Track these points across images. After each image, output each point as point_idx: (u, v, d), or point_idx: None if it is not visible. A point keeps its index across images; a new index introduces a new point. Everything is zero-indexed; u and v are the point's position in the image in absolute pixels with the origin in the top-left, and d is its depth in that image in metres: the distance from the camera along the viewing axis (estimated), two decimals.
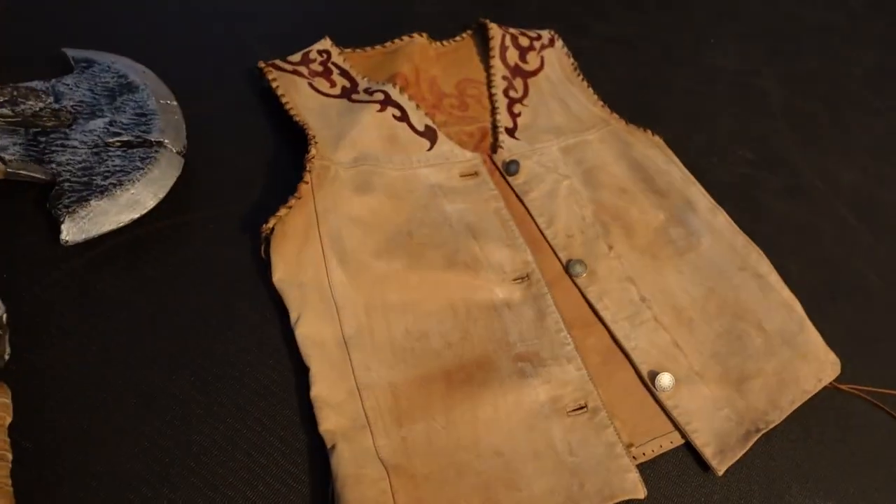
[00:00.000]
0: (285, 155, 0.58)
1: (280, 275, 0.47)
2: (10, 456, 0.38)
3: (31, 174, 0.48)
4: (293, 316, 0.45)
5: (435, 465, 0.40)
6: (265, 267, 0.49)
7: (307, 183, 0.50)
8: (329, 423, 0.41)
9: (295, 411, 0.43)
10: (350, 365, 0.44)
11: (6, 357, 0.42)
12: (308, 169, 0.51)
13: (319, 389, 0.42)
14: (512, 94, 0.67)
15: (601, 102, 0.68)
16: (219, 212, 0.52)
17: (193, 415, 0.42)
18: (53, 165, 0.48)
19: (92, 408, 0.42)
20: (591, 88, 0.69)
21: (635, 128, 0.66)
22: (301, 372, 0.44)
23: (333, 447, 0.40)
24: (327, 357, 0.44)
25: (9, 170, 0.48)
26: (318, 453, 0.41)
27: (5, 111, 0.49)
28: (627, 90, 0.74)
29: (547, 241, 0.55)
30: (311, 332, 0.45)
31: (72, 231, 0.45)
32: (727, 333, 0.51)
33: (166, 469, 0.40)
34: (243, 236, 0.51)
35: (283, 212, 0.48)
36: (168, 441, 0.41)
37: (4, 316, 0.42)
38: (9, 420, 0.39)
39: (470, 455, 0.41)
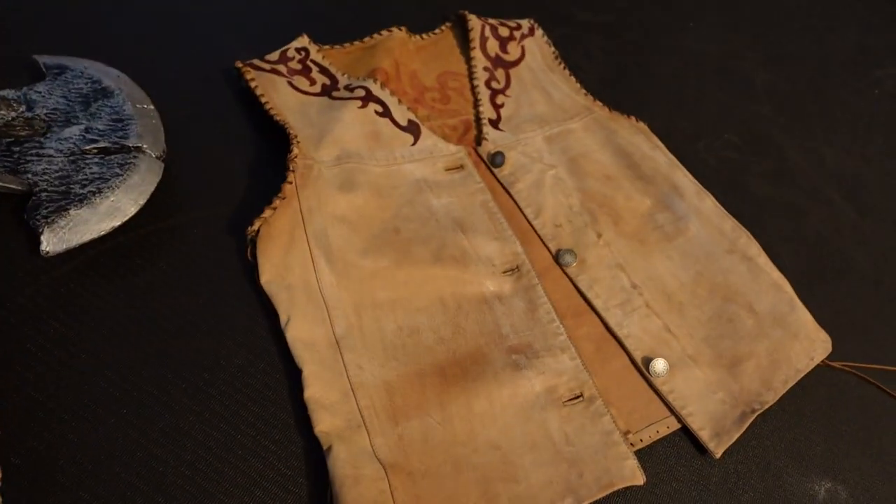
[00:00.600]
0: (267, 155, 0.57)
1: (267, 277, 0.46)
2: None
3: (6, 185, 0.47)
4: (283, 318, 0.45)
5: (432, 461, 0.40)
6: (251, 269, 0.48)
7: (291, 183, 0.50)
8: (324, 424, 0.41)
9: (289, 414, 0.43)
10: (342, 365, 0.43)
11: None
12: (291, 169, 0.50)
13: (313, 391, 0.42)
14: (494, 85, 0.66)
15: (583, 90, 0.68)
16: (202, 216, 0.51)
17: (186, 422, 0.42)
18: (29, 175, 0.47)
19: (82, 419, 0.41)
20: (573, 77, 0.69)
21: (619, 115, 0.66)
22: (293, 374, 0.43)
23: (329, 448, 0.40)
24: (319, 358, 0.43)
25: None
26: (315, 455, 0.41)
27: None
28: (610, 77, 0.74)
29: (535, 232, 0.55)
30: (301, 333, 0.44)
31: (52, 241, 0.44)
32: (718, 317, 0.51)
33: (160, 478, 0.40)
34: (228, 239, 0.50)
35: (267, 213, 0.47)
36: (161, 450, 0.41)
37: None
38: None
39: (467, 450, 0.41)
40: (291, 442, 0.42)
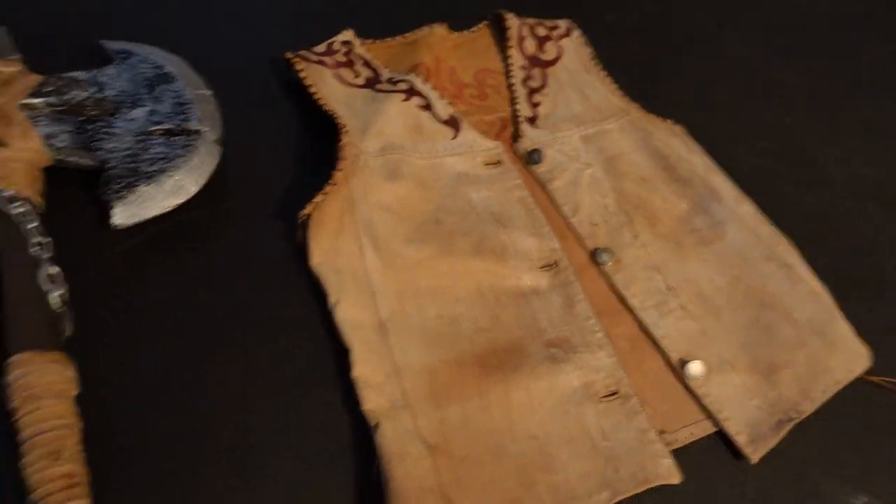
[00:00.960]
0: (314, 144, 0.58)
1: (317, 259, 0.48)
2: (80, 425, 0.39)
3: (80, 161, 0.50)
4: (331, 300, 0.46)
5: (472, 446, 0.41)
6: (301, 252, 0.49)
7: (341, 170, 0.51)
8: (371, 402, 0.42)
9: (336, 393, 0.44)
10: (388, 347, 0.45)
11: (68, 334, 0.43)
12: (341, 157, 0.51)
13: (360, 370, 0.43)
14: (531, 83, 0.67)
15: (620, 92, 0.68)
16: (254, 199, 0.53)
17: (236, 399, 0.43)
18: (102, 152, 0.49)
19: (146, 385, 0.43)
20: (609, 78, 0.69)
21: (655, 117, 0.66)
22: (340, 353, 0.45)
23: (377, 425, 0.41)
24: (366, 339, 0.45)
25: (58, 157, 0.50)
26: (361, 432, 0.42)
27: (52, 100, 0.51)
28: (645, 80, 0.73)
29: (571, 230, 0.55)
30: (349, 315, 0.45)
31: (122, 215, 0.47)
32: (756, 323, 0.51)
33: (211, 454, 0.41)
34: (279, 223, 0.52)
35: (319, 198, 0.49)
36: (213, 424, 0.42)
37: (66, 295, 0.44)
38: (75, 392, 0.41)
39: (505, 438, 0.42)
40: (339, 420, 0.43)
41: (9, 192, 0.46)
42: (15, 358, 0.40)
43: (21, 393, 0.39)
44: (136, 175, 0.48)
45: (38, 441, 0.37)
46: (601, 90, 0.68)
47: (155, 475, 0.40)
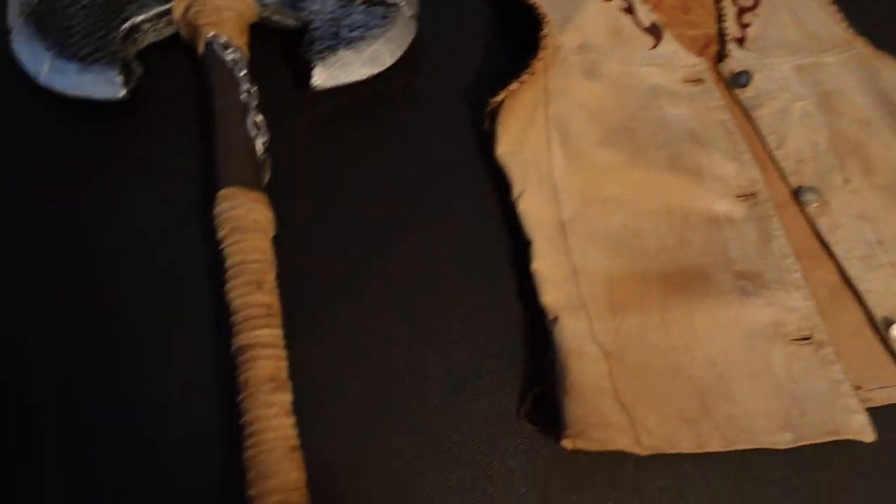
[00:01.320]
0: (506, 33, 0.56)
1: (504, 148, 0.47)
2: (275, 262, 0.42)
3: (284, 20, 0.51)
4: (516, 190, 0.45)
5: (649, 360, 0.40)
6: (484, 138, 0.49)
7: (541, 60, 0.49)
8: (549, 296, 0.41)
9: (511, 282, 0.44)
10: (568, 247, 0.43)
11: (266, 181, 0.45)
12: (542, 47, 0.49)
13: (540, 264, 0.42)
14: (741, 2, 0.60)
15: (845, 22, 0.59)
16: (446, 79, 0.53)
17: (420, 264, 0.45)
18: (306, 13, 0.50)
19: (331, 238, 0.45)
20: (834, 5, 0.61)
21: (885, 55, 0.57)
22: (518, 245, 0.44)
23: (556, 319, 0.40)
24: (547, 235, 0.44)
25: (264, 14, 0.51)
26: (533, 324, 0.42)
27: None
28: (875, 10, 0.64)
29: (775, 163, 0.50)
30: (531, 209, 0.45)
31: (322, 76, 0.48)
32: None
33: (393, 306, 0.43)
34: (466, 106, 0.52)
35: (514, 86, 0.47)
36: (395, 283, 0.44)
37: (268, 143, 0.46)
38: (273, 233, 0.43)
39: (684, 359, 0.40)
40: (512, 310, 0.43)
41: (224, 39, 0.48)
42: (224, 191, 0.42)
43: (229, 224, 0.41)
44: (338, 39, 0.49)
45: (242, 269, 0.40)
46: (822, 18, 0.60)
47: (336, 323, 0.42)
